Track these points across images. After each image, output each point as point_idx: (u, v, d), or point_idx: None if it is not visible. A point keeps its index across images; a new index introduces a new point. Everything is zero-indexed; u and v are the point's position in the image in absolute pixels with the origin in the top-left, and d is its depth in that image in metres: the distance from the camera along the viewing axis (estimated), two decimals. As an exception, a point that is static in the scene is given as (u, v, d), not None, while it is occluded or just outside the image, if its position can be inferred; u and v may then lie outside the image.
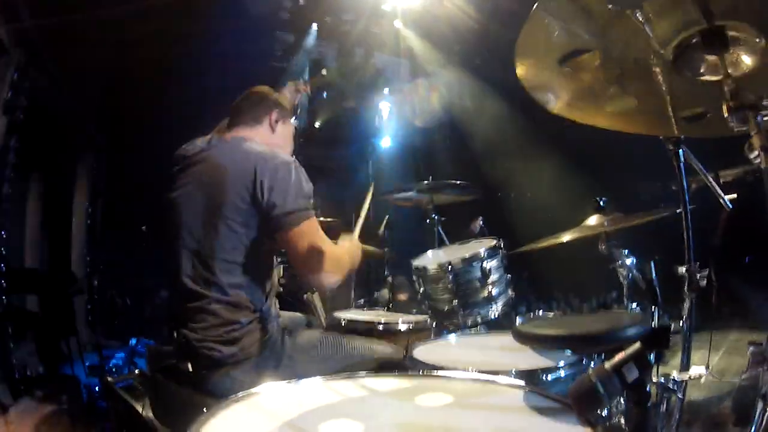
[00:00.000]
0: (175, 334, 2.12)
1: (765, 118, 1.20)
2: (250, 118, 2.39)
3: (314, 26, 6.74)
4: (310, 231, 2.10)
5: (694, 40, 1.30)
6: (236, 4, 5.79)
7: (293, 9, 6.50)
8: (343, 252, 2.29)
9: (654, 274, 2.28)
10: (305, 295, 3.10)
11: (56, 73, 5.08)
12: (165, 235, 2.23)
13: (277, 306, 2.33)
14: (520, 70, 1.47)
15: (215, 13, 5.78)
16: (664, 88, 1.39)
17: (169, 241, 2.19)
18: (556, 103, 1.56)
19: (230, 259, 2.07)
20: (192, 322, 2.06)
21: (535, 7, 1.27)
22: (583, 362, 1.92)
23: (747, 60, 1.33)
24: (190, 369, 2.07)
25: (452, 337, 2.58)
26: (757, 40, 1.29)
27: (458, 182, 3.90)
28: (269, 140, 2.38)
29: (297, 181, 2.12)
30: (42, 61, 4.75)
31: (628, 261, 2.46)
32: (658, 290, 2.18)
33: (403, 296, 4.40)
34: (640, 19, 1.24)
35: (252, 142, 2.27)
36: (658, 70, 1.35)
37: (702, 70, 1.37)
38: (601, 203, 2.59)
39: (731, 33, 1.28)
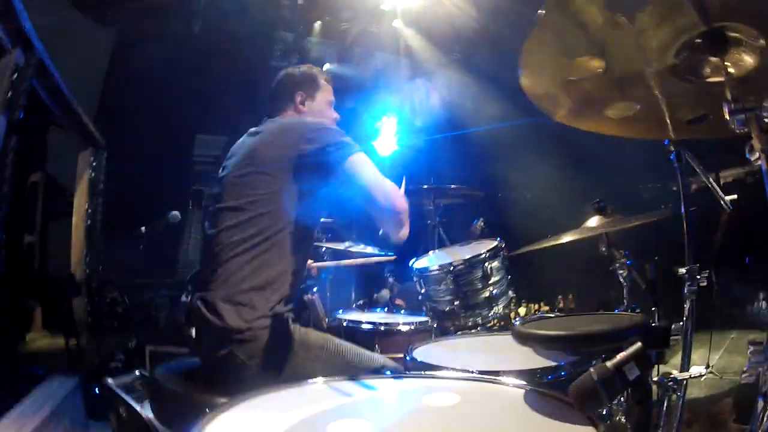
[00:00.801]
0: (190, 298, 2.13)
1: (766, 120, 1.21)
2: (278, 110, 2.51)
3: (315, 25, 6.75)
4: (369, 162, 2.17)
5: (695, 42, 1.30)
6: (236, 4, 5.80)
7: (292, 8, 6.51)
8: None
9: (654, 275, 2.29)
10: (305, 296, 3.10)
11: (56, 73, 5.08)
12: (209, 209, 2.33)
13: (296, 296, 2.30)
14: (525, 82, 1.48)
15: (215, 13, 5.79)
16: (660, 97, 1.40)
17: (213, 211, 2.27)
18: (559, 111, 1.57)
19: (272, 227, 2.11)
20: (208, 288, 2.08)
21: (538, 20, 1.27)
22: (584, 362, 1.92)
23: (748, 60, 1.34)
24: (194, 335, 2.09)
25: (453, 338, 2.58)
26: (757, 39, 1.29)
27: (459, 185, 3.91)
28: (301, 116, 2.50)
29: (338, 132, 2.23)
30: (42, 61, 4.74)
31: (628, 262, 2.47)
32: (658, 291, 2.19)
33: (401, 302, 4.39)
34: (634, 30, 1.25)
35: (297, 117, 2.46)
36: (653, 83, 1.36)
37: (704, 73, 1.37)
38: (601, 205, 2.60)
39: (731, 34, 1.29)
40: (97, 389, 3.89)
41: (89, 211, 6.27)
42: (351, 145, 2.17)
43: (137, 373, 4.21)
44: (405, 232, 2.23)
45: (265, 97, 2.59)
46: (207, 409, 1.25)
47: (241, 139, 2.45)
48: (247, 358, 1.98)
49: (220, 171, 2.42)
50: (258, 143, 2.30)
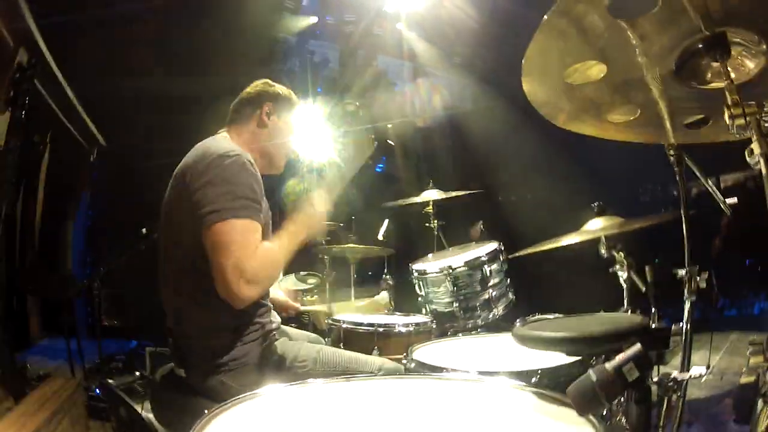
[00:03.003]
0: (170, 340, 2.12)
1: (766, 125, 1.21)
2: (241, 116, 2.31)
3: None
4: (229, 231, 1.86)
5: (696, 47, 1.31)
6: (237, 5, 5.80)
7: (295, 10, 6.52)
8: (267, 257, 1.97)
9: (654, 277, 2.29)
10: (305, 299, 3.11)
11: (56, 73, 5.09)
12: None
13: (276, 316, 2.27)
14: (527, 87, 1.49)
15: (216, 13, 5.80)
16: (661, 101, 1.40)
17: (159, 249, 2.16)
18: (560, 116, 1.58)
19: (195, 278, 1.98)
20: (183, 329, 2.05)
21: (540, 26, 1.28)
22: (584, 363, 1.92)
23: (750, 65, 1.35)
24: (184, 374, 2.06)
25: (453, 340, 2.58)
26: (758, 45, 1.30)
27: (458, 188, 3.92)
28: (255, 135, 2.29)
29: (235, 180, 1.93)
30: (42, 61, 4.76)
31: (628, 264, 2.47)
32: (657, 293, 2.19)
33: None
34: (633, 39, 1.25)
35: (219, 139, 2.19)
36: (654, 88, 1.37)
37: (705, 78, 1.38)
38: (601, 207, 2.60)
39: (732, 39, 1.29)
40: (97, 390, 3.89)
41: (90, 212, 6.28)
42: (234, 209, 1.89)
43: (137, 373, 4.23)
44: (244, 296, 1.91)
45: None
46: (206, 410, 1.25)
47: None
48: (239, 385, 1.95)
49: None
50: (181, 171, 2.07)
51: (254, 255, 1.88)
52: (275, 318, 2.23)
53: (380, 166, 7.20)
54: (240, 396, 1.38)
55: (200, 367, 1.99)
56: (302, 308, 2.97)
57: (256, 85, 2.37)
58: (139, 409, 2.69)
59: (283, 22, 6.62)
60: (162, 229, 2.16)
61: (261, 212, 1.99)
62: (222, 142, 2.14)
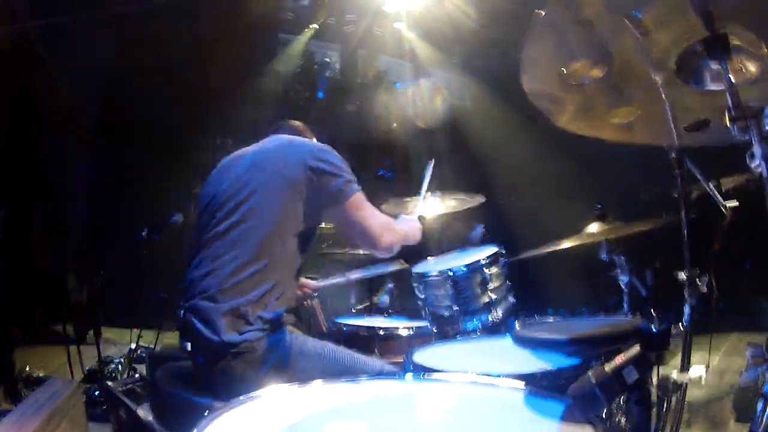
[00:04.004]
0: (182, 313, 2.12)
1: (767, 128, 1.21)
2: (280, 130, 2.64)
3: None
4: (365, 202, 2.29)
5: (697, 48, 1.31)
6: (238, 5, 5.81)
7: (296, 10, 6.52)
8: (400, 226, 2.49)
9: (654, 280, 2.29)
10: (305, 301, 3.10)
11: (56, 73, 5.09)
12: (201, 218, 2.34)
13: (294, 305, 2.29)
14: (526, 84, 1.48)
15: (217, 13, 5.80)
16: (661, 103, 1.40)
17: (206, 220, 2.27)
18: (561, 116, 1.58)
19: (258, 249, 2.09)
20: (206, 296, 2.06)
21: (537, 21, 1.28)
22: (583, 365, 1.92)
23: (750, 67, 1.34)
24: (189, 349, 2.07)
25: (453, 343, 2.58)
26: (759, 47, 1.30)
27: (459, 191, 3.91)
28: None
29: (343, 162, 2.30)
30: (42, 61, 4.76)
31: (628, 267, 2.47)
32: (658, 296, 2.19)
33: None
34: (637, 35, 1.25)
35: (296, 134, 2.57)
36: (659, 80, 1.36)
37: (705, 79, 1.38)
38: (601, 210, 2.60)
39: (734, 41, 1.29)
40: (96, 391, 3.89)
41: (89, 213, 6.28)
42: (353, 182, 2.27)
43: (136, 375, 4.22)
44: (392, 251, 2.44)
45: (267, 99, 2.62)
46: (206, 411, 1.25)
47: (241, 150, 2.47)
48: (243, 370, 1.97)
49: (214, 178, 2.44)
50: (262, 156, 2.34)
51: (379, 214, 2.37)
52: (291, 307, 2.24)
53: (382, 171, 7.19)
54: (239, 397, 1.37)
55: (209, 345, 1.99)
56: (316, 287, 3.10)
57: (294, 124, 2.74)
58: (138, 410, 2.69)
59: (284, 23, 6.64)
60: (202, 215, 2.30)
61: None
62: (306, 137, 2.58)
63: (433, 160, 3.27)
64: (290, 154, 2.29)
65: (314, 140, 2.62)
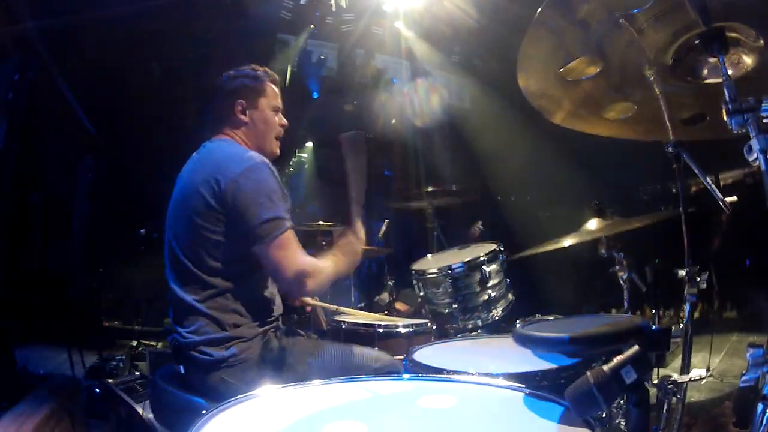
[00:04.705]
0: (171, 337, 2.12)
1: (764, 121, 1.21)
2: (223, 117, 2.28)
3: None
4: (289, 245, 1.98)
5: (694, 43, 1.30)
6: (237, 5, 5.80)
7: (294, 10, 6.51)
8: (327, 267, 2.09)
9: (653, 278, 2.28)
10: (306, 307, 3.09)
11: (56, 74, 5.09)
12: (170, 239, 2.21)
13: (280, 308, 2.27)
14: (523, 81, 1.48)
15: (216, 13, 5.79)
16: (658, 97, 1.39)
17: (171, 238, 2.17)
18: (558, 113, 1.58)
19: (214, 264, 2.02)
20: (182, 326, 2.05)
21: (534, 19, 1.27)
22: (582, 365, 1.91)
23: (747, 60, 1.34)
24: (183, 371, 2.06)
25: (452, 341, 2.57)
26: (756, 40, 1.29)
27: (458, 188, 3.91)
28: (250, 133, 2.27)
29: (268, 186, 2.00)
30: (42, 61, 4.75)
31: (628, 264, 2.46)
32: (657, 293, 2.18)
33: (402, 307, 4.35)
34: (634, 32, 1.24)
35: (226, 141, 2.21)
36: (652, 78, 1.36)
37: (703, 74, 1.37)
38: (600, 207, 2.59)
39: (730, 34, 1.28)
40: (97, 389, 3.89)
41: (90, 213, 6.28)
42: (282, 219, 1.98)
43: (137, 373, 4.22)
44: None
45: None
46: (204, 411, 1.25)
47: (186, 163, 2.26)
48: (238, 381, 1.96)
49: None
50: (190, 176, 2.13)
51: (304, 256, 2.01)
52: (276, 313, 2.23)
53: (387, 172, 7.19)
54: (238, 396, 1.37)
55: (200, 364, 1.99)
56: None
57: (218, 86, 2.32)
58: (138, 408, 2.69)
59: (281, 22, 6.62)
60: (170, 228, 2.16)
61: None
62: (235, 147, 2.18)
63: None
64: (203, 171, 2.07)
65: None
